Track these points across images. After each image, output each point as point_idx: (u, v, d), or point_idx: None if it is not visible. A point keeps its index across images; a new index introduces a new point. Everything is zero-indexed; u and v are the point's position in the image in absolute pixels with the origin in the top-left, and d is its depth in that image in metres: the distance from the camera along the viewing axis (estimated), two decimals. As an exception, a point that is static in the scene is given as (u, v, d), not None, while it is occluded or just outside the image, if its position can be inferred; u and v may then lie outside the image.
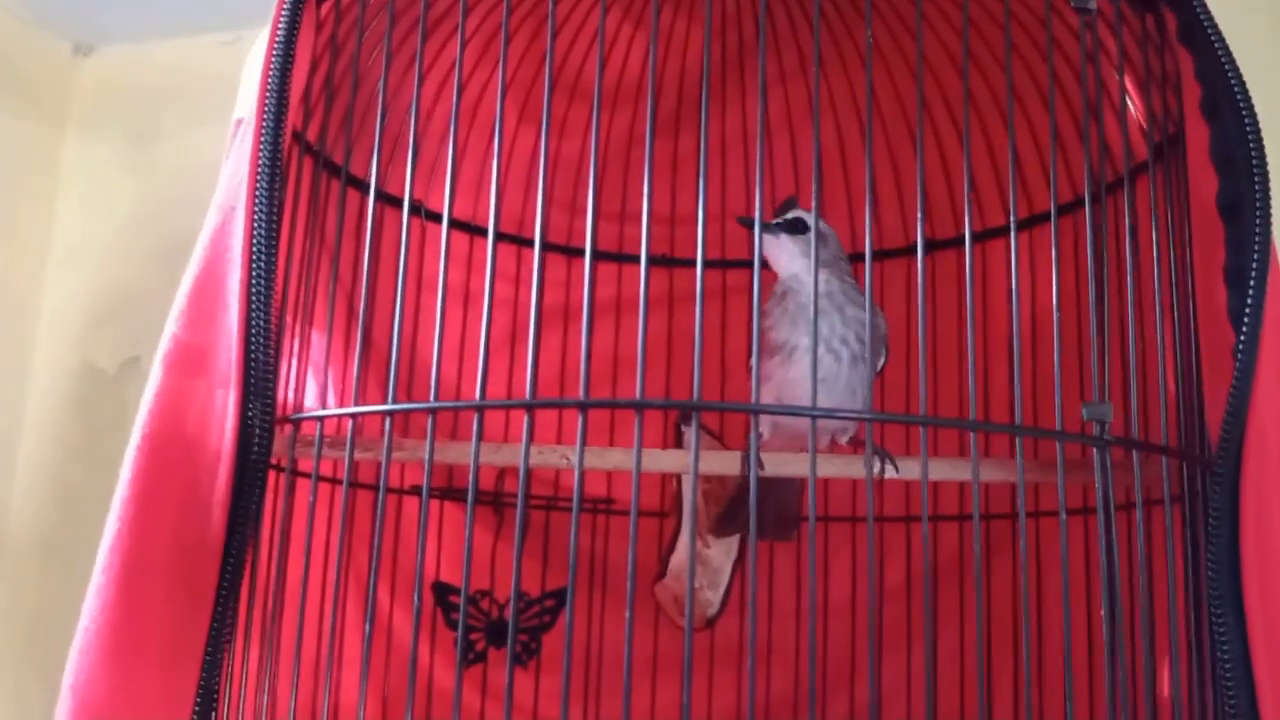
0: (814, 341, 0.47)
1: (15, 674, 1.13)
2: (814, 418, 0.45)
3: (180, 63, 1.29)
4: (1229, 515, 0.50)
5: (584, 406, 0.47)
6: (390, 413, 0.50)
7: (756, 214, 0.51)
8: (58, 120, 1.32)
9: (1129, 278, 0.55)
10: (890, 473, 0.61)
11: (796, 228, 0.67)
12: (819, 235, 0.58)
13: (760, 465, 0.59)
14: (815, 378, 0.47)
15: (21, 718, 1.11)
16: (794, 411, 0.47)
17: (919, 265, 0.49)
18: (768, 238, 0.67)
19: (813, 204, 0.52)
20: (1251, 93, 0.54)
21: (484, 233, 0.86)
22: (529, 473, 0.90)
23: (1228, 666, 0.50)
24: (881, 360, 0.70)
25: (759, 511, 0.47)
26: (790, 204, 0.70)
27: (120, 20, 1.28)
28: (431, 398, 0.50)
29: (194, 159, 1.26)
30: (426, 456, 0.51)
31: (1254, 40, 0.66)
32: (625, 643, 0.47)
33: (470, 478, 0.49)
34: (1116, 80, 0.60)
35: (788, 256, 0.68)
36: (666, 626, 0.89)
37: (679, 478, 0.90)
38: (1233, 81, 0.52)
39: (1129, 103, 0.62)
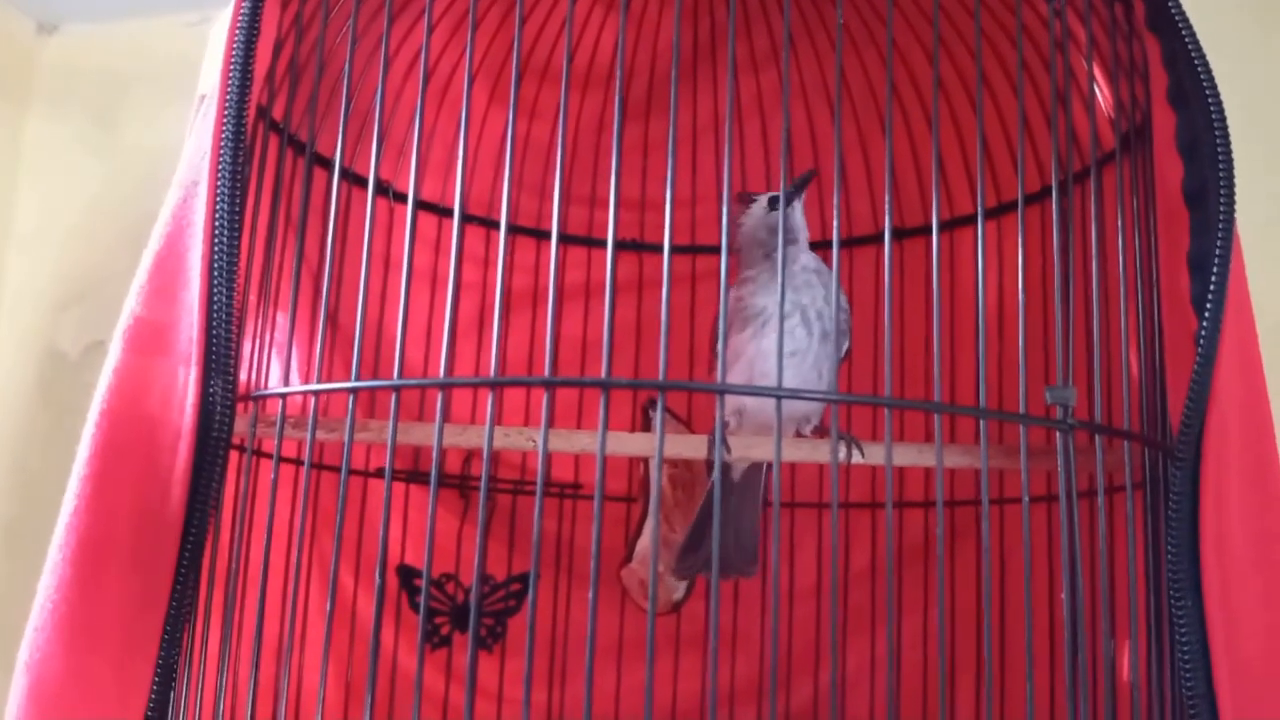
0: (780, 320, 0.47)
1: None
2: (779, 398, 0.45)
3: (145, 43, 1.28)
4: (1189, 500, 0.51)
5: (549, 384, 0.47)
6: (354, 390, 0.50)
7: (781, 185, 0.50)
8: (20, 99, 1.30)
9: (1094, 265, 0.55)
10: (856, 458, 0.61)
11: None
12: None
13: (727, 449, 0.59)
14: (781, 353, 0.46)
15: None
16: (759, 392, 0.47)
17: (886, 243, 0.49)
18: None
19: (781, 185, 0.52)
20: (1223, 84, 0.54)
21: (453, 214, 0.86)
22: (494, 453, 0.91)
23: (1186, 650, 0.50)
24: (845, 345, 0.70)
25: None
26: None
27: (85, -1, 1.27)
28: (395, 375, 0.50)
29: (159, 140, 1.24)
30: (390, 435, 0.50)
31: (1225, 30, 0.66)
32: (589, 625, 0.47)
33: (434, 455, 0.49)
34: (1085, 69, 0.61)
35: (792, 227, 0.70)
36: (632, 611, 0.89)
37: (646, 464, 0.90)
38: (1199, 69, 0.52)
39: (1097, 92, 0.63)
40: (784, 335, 0.49)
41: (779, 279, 0.49)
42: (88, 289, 1.23)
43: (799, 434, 0.70)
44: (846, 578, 0.88)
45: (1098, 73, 0.61)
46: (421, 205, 0.87)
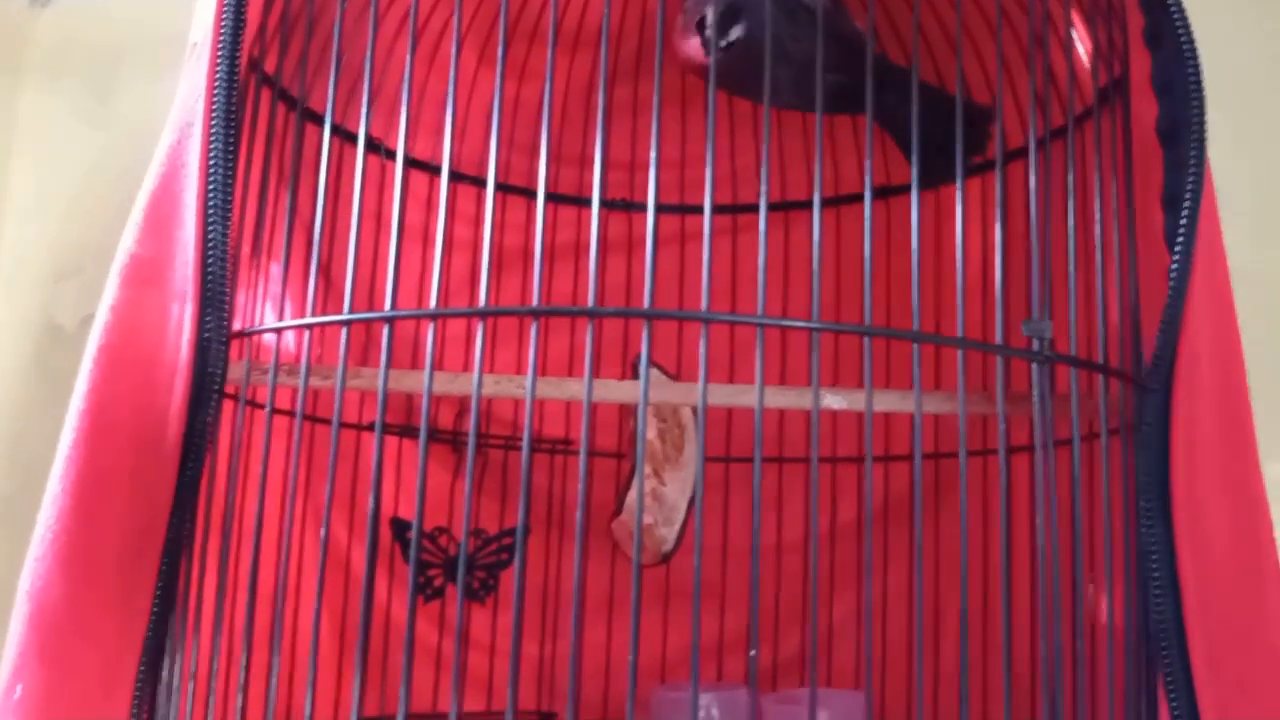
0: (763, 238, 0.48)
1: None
2: (761, 325, 0.47)
3: (138, 16, 1.28)
4: (1160, 430, 0.52)
5: (536, 314, 0.48)
6: (348, 323, 0.51)
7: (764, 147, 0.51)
8: (13, 73, 1.30)
9: (1071, 210, 0.56)
10: (839, 403, 0.62)
11: None
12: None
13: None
14: (763, 279, 0.47)
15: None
16: (741, 320, 0.48)
17: (867, 130, 0.50)
18: None
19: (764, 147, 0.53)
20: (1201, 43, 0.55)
21: (453, 176, 0.87)
22: (486, 409, 0.92)
23: (1156, 578, 0.51)
24: None
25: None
26: None
27: (78, -30, 1.27)
28: (387, 307, 0.51)
29: (153, 112, 1.24)
30: (381, 373, 0.51)
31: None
32: (575, 577, 0.48)
33: (424, 393, 0.50)
34: (1064, 16, 0.62)
35: None
36: (623, 563, 0.90)
37: (637, 415, 0.91)
38: (1173, 8, 0.53)
39: (1076, 40, 0.64)
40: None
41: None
42: (84, 262, 1.24)
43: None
44: (833, 530, 0.89)
45: (1078, 21, 0.62)
46: (414, 164, 0.88)
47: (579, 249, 0.94)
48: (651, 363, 0.86)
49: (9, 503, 1.16)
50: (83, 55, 1.29)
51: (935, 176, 0.72)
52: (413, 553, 0.58)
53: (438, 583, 0.90)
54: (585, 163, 0.96)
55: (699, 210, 0.93)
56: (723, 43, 0.71)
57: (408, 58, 0.57)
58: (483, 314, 0.48)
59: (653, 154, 0.51)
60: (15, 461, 1.19)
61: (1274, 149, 1.00)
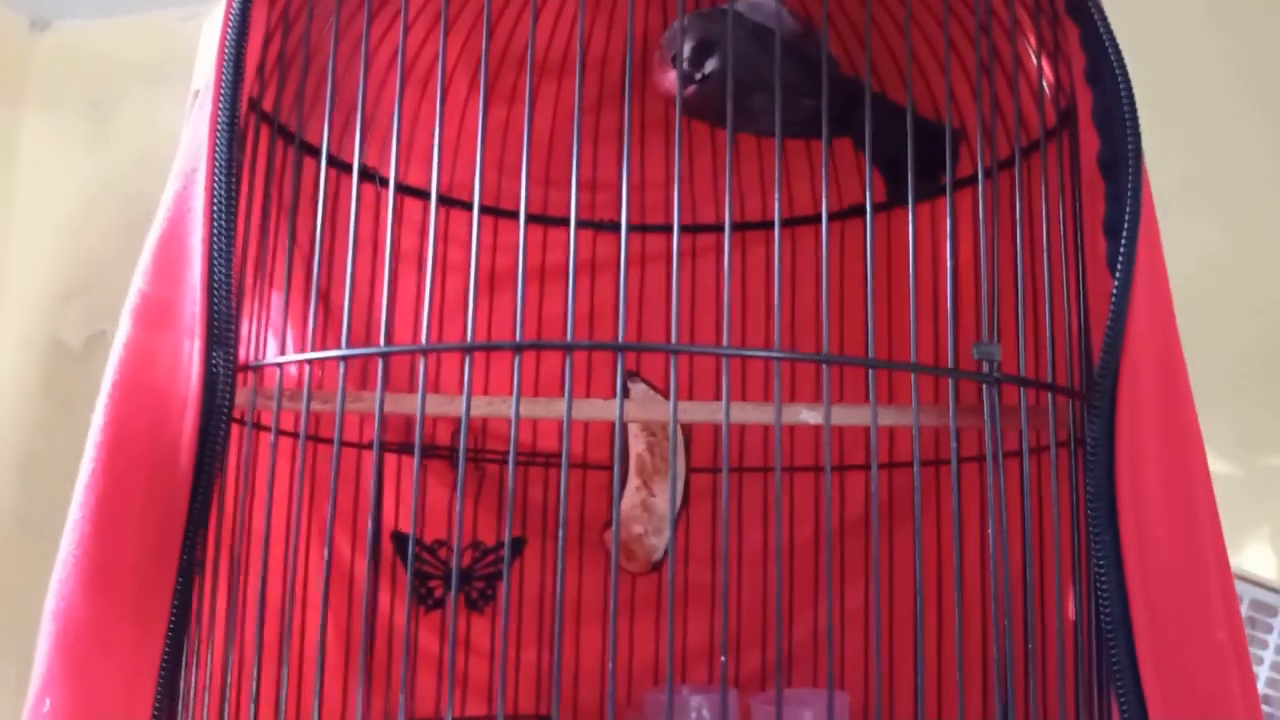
0: (728, 282, 0.51)
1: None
2: (726, 355, 0.50)
3: (137, 37, 1.31)
4: (1105, 443, 0.56)
5: (518, 349, 0.52)
6: (345, 358, 0.55)
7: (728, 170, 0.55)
8: (16, 95, 1.33)
9: (1019, 238, 0.60)
10: (805, 416, 0.65)
11: None
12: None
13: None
14: (727, 313, 0.51)
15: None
16: (707, 351, 0.51)
17: (823, 219, 0.54)
18: None
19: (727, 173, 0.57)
20: (1133, 63, 0.59)
21: (455, 204, 0.92)
22: (483, 425, 0.96)
23: (1103, 582, 0.55)
24: None
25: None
26: None
27: (76, -6, 1.30)
28: (382, 342, 0.54)
29: (153, 131, 1.28)
30: (378, 401, 0.55)
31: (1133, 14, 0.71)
32: (557, 583, 0.52)
33: (417, 418, 0.54)
34: (1026, 53, 0.65)
35: None
36: (620, 571, 0.94)
37: (626, 432, 0.94)
38: (1109, 49, 0.57)
39: (1034, 75, 0.67)
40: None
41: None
42: (89, 280, 1.27)
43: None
44: (839, 530, 0.92)
45: (1031, 58, 0.66)
46: (407, 190, 0.92)
47: (579, 266, 0.98)
48: (640, 378, 0.90)
49: (19, 515, 1.19)
50: (82, 77, 1.33)
51: (907, 193, 0.76)
52: (410, 565, 0.62)
53: (438, 593, 0.94)
54: (582, 184, 0.99)
55: (688, 229, 0.97)
56: (698, 75, 0.75)
57: (398, 89, 0.61)
58: (469, 349, 0.52)
59: (624, 184, 0.55)
60: (24, 474, 1.21)
61: (1249, 146, 1.04)
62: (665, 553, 0.94)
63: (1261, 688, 0.95)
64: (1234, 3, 1.07)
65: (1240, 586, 0.96)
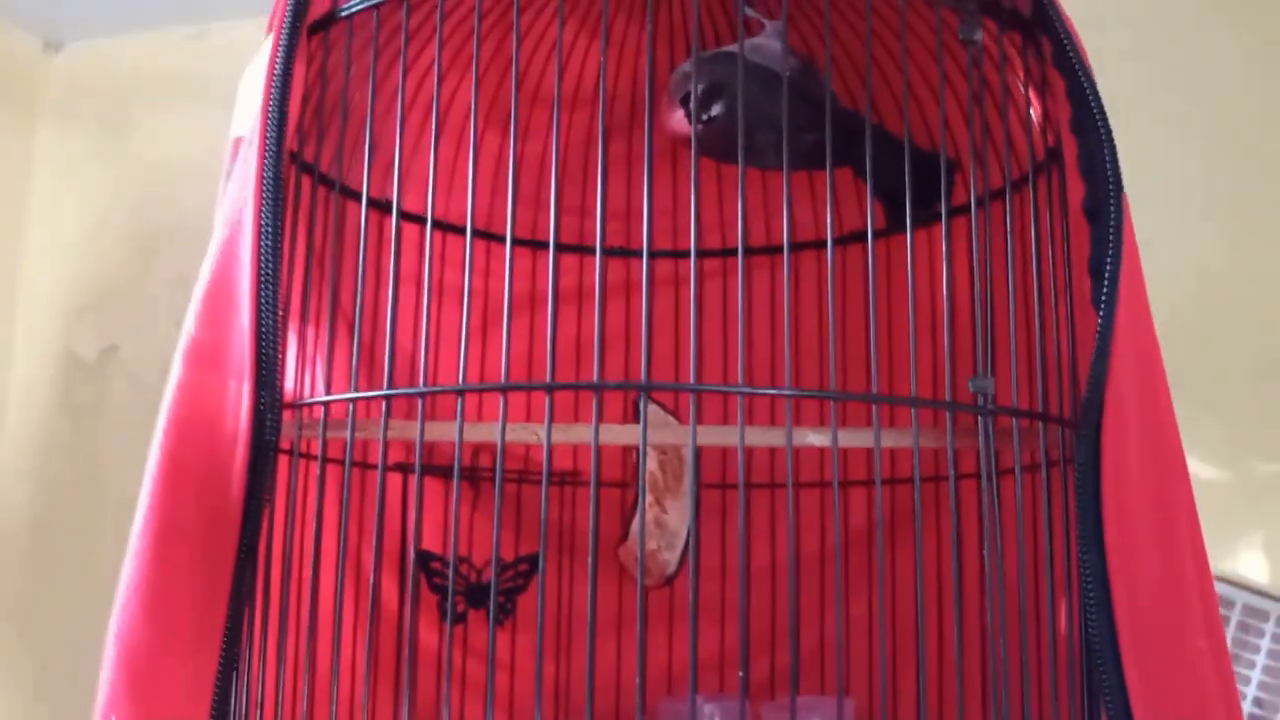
0: (741, 322, 0.56)
1: (3, 652, 1.19)
2: (742, 394, 0.54)
3: (148, 56, 1.34)
4: (1092, 468, 0.60)
5: (550, 389, 0.56)
6: (389, 397, 0.59)
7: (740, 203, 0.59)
8: (30, 115, 1.37)
9: (1009, 274, 0.64)
10: (813, 440, 0.69)
11: None
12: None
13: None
14: (742, 352, 0.55)
15: (13, 690, 1.18)
16: (725, 390, 0.56)
17: (829, 247, 0.58)
18: None
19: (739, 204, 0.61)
20: (1110, 104, 0.63)
21: (457, 230, 0.95)
22: (505, 448, 1.00)
23: (1091, 600, 0.59)
24: None
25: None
26: None
27: (88, 16, 1.34)
28: (421, 383, 0.59)
29: (165, 148, 1.31)
30: (418, 435, 0.59)
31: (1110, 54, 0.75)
32: (589, 601, 0.56)
33: (455, 454, 0.58)
34: (1004, 96, 0.70)
35: None
36: (630, 586, 0.98)
37: (638, 451, 0.98)
38: (1092, 102, 0.61)
39: (1027, 113, 0.72)
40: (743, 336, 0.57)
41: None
42: (102, 294, 1.30)
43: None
44: (847, 544, 0.96)
45: (1020, 89, 0.70)
46: (437, 225, 0.96)
47: (581, 293, 1.02)
48: (653, 400, 0.94)
49: (35, 526, 1.22)
50: (95, 96, 1.36)
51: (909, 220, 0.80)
52: (410, 580, 0.65)
53: (460, 608, 0.98)
54: (585, 212, 1.03)
55: (688, 255, 1.02)
56: (705, 117, 0.79)
57: (433, 140, 0.65)
58: (503, 389, 0.56)
59: (646, 214, 0.59)
60: (39, 484, 1.25)
61: (1245, 154, 1.07)
62: (678, 567, 0.99)
63: (1254, 690, 0.97)
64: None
65: (1233, 592, 0.99)
